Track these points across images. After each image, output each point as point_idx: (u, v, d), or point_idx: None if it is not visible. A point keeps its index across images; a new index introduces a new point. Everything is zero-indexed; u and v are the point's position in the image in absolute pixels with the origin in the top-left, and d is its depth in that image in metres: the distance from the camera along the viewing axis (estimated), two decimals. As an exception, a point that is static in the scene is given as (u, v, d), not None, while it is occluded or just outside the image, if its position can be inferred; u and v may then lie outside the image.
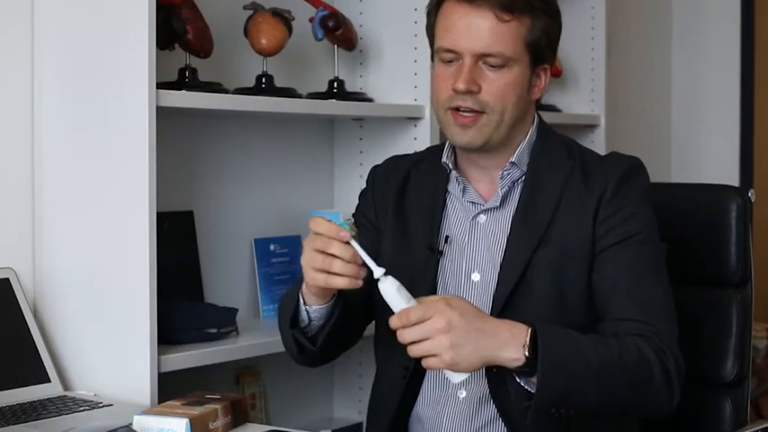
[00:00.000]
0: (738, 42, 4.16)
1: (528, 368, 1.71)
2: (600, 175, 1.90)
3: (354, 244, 1.72)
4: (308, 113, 2.58)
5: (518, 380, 1.77)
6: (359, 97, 2.67)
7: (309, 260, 1.75)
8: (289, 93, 2.51)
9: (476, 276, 1.92)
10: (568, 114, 3.41)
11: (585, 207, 1.88)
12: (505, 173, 1.93)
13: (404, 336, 1.68)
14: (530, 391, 1.76)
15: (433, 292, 1.91)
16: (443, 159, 1.97)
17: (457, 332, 1.67)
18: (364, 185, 2.11)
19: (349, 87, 2.71)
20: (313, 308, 1.87)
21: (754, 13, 4.15)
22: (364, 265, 1.72)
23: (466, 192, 1.96)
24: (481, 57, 1.86)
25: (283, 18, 2.47)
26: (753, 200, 2.15)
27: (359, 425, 2.81)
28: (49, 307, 2.22)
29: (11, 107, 2.24)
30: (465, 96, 1.86)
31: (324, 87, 2.68)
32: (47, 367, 2.12)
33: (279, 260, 2.71)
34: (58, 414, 1.94)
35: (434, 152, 2.04)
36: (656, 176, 4.35)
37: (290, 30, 2.49)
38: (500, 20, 1.85)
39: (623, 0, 3.81)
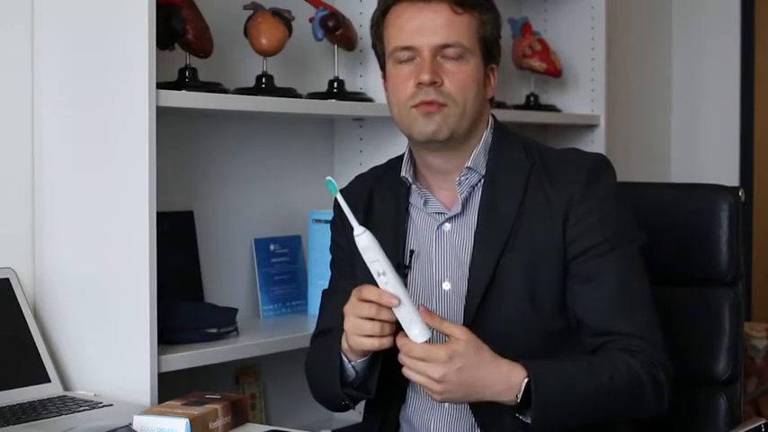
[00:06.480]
0: (738, 42, 4.15)
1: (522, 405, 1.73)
2: (565, 174, 1.88)
3: (339, 198, 1.76)
4: (308, 113, 2.58)
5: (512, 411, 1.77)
6: (359, 97, 2.67)
7: (356, 327, 1.76)
8: (289, 93, 2.51)
9: (446, 285, 1.90)
10: (568, 114, 3.41)
11: (554, 207, 1.86)
12: (462, 178, 1.91)
13: (404, 360, 1.72)
14: (524, 420, 1.75)
15: None
16: (402, 173, 1.96)
17: (448, 385, 1.69)
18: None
19: (349, 87, 2.71)
20: (358, 362, 1.86)
21: (754, 13, 4.15)
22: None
23: (428, 203, 1.94)
24: (440, 49, 1.87)
25: (283, 18, 2.47)
26: (743, 199, 2.15)
27: (359, 425, 2.80)
28: (49, 307, 2.22)
29: (11, 107, 2.24)
30: (428, 89, 1.85)
31: (324, 87, 2.67)
32: (47, 367, 2.12)
33: (279, 260, 2.70)
34: (57, 414, 1.94)
35: (395, 165, 2.02)
36: (656, 176, 4.35)
37: (290, 30, 2.49)
38: (455, 12, 1.87)
39: (623, 0, 3.81)
